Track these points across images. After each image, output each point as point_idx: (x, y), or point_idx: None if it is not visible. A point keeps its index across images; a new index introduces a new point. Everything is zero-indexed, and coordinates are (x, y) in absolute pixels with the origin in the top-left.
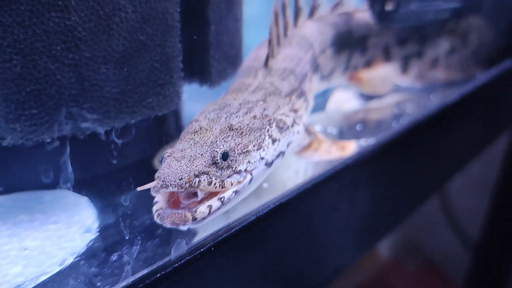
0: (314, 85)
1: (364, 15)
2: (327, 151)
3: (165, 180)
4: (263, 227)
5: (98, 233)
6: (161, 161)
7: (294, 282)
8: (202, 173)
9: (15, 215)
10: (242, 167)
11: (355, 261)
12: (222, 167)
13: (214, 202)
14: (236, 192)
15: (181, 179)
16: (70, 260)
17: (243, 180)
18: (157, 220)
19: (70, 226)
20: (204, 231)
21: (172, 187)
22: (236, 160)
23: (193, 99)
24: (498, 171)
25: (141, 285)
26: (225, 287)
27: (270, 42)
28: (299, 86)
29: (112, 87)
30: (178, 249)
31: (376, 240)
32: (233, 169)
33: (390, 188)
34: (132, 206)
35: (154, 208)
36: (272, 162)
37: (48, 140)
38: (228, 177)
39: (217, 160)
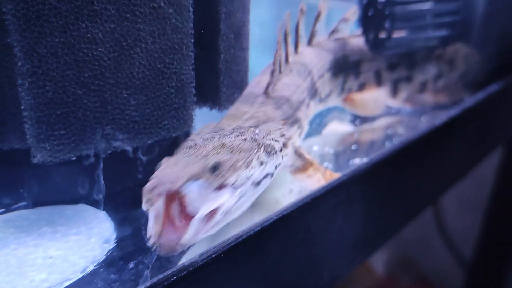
0: (311, 110)
1: (358, 41)
2: (318, 181)
3: (158, 181)
4: (267, 236)
5: (116, 243)
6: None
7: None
8: (195, 177)
9: (39, 227)
10: (229, 181)
11: (350, 271)
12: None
13: (202, 225)
14: (224, 212)
15: (172, 182)
16: (91, 268)
17: (230, 201)
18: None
19: (90, 237)
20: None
21: (164, 188)
22: (224, 175)
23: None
24: (490, 191)
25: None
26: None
27: (273, 72)
28: (293, 114)
29: (132, 111)
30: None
31: (369, 252)
32: (222, 182)
33: (383, 203)
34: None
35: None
36: (259, 183)
37: (74, 158)
38: (216, 188)
39: (207, 170)
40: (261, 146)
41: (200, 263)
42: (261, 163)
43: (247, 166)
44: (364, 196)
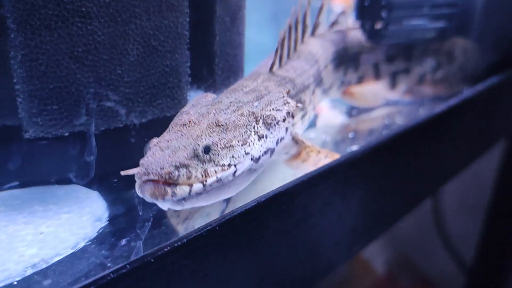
0: (317, 98)
1: (356, 33)
2: (315, 162)
3: (147, 168)
4: (263, 212)
5: (108, 221)
6: (147, 149)
7: (289, 269)
8: (183, 165)
9: (30, 206)
10: (225, 161)
11: (348, 259)
12: (204, 160)
13: (196, 184)
14: (219, 180)
15: (162, 168)
16: (82, 244)
17: (227, 170)
18: (137, 191)
19: (81, 215)
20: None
21: (153, 175)
22: (218, 154)
23: None
24: (490, 192)
25: (152, 258)
26: (224, 265)
27: (277, 50)
28: (296, 94)
29: (126, 88)
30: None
31: (367, 240)
32: (215, 162)
33: (381, 190)
34: (141, 200)
35: (137, 183)
36: (259, 158)
37: (66, 134)
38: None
39: (198, 153)
40: (259, 118)
41: (194, 234)
42: (260, 137)
43: (244, 143)
44: (362, 181)
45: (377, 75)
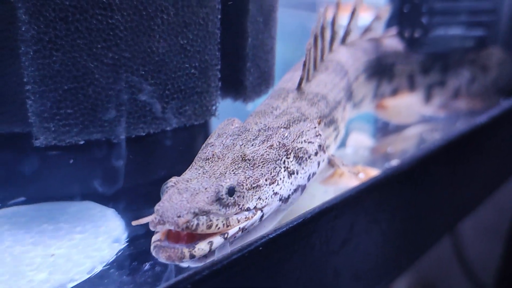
0: (347, 114)
1: (391, 42)
2: (351, 177)
3: (162, 215)
4: (308, 230)
5: (127, 243)
6: (163, 191)
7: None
8: (203, 212)
9: (38, 224)
10: (250, 204)
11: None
12: (227, 204)
13: (216, 239)
14: (243, 229)
15: (179, 216)
16: (99, 268)
17: (252, 217)
18: (152, 252)
19: (97, 236)
20: None
21: (169, 224)
22: (243, 197)
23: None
24: (510, 217)
25: (189, 283)
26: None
27: (305, 64)
28: (330, 113)
29: (150, 91)
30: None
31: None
32: (240, 206)
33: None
34: None
35: (153, 239)
36: (288, 198)
37: (81, 142)
38: (235, 214)
39: (221, 196)
40: (291, 152)
41: (235, 256)
42: (291, 174)
43: (272, 182)
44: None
45: (412, 87)
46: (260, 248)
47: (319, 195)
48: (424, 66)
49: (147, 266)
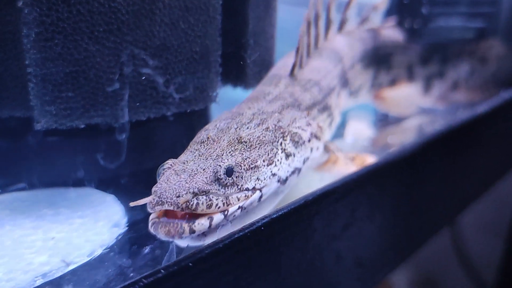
0: (342, 101)
1: (389, 32)
2: (346, 163)
3: (161, 196)
4: (310, 212)
5: (127, 227)
6: (160, 173)
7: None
8: (202, 191)
9: (38, 209)
10: (249, 185)
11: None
12: (226, 184)
13: (216, 216)
14: (242, 208)
15: (178, 196)
16: (99, 252)
17: (251, 196)
18: (151, 229)
19: (97, 220)
20: None
21: (168, 205)
22: (242, 177)
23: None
24: (511, 212)
25: (190, 262)
26: (271, 268)
27: (297, 50)
28: (323, 99)
29: (150, 75)
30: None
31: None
32: (239, 186)
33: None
34: None
35: (150, 217)
36: (286, 179)
37: (82, 126)
38: (234, 194)
39: (220, 176)
40: (287, 134)
41: (237, 235)
42: (288, 156)
43: (270, 163)
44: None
45: (411, 78)
46: (262, 228)
47: (315, 183)
48: (423, 57)
49: (147, 249)
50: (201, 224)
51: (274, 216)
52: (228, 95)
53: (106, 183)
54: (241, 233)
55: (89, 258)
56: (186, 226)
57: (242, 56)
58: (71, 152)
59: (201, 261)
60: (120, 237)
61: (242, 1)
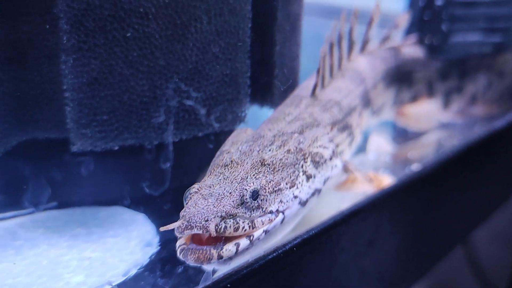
0: (364, 120)
1: (410, 50)
2: (364, 183)
3: (190, 220)
4: (338, 231)
5: (160, 247)
6: (187, 197)
7: None
8: (230, 215)
9: (71, 228)
10: (273, 207)
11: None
12: (252, 207)
13: (243, 241)
14: (266, 231)
15: (207, 220)
16: (134, 271)
17: (274, 219)
18: (179, 256)
19: (129, 240)
20: None
21: (197, 229)
22: (267, 200)
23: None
24: None
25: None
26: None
27: (318, 71)
28: (343, 118)
29: (183, 98)
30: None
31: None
32: (263, 209)
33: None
34: None
35: (178, 243)
36: (306, 201)
37: (116, 148)
38: (259, 217)
39: (246, 199)
40: (308, 156)
41: (271, 256)
42: (308, 178)
43: (292, 186)
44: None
45: (431, 93)
46: (294, 249)
47: (335, 202)
48: (442, 72)
49: (180, 269)
50: (229, 250)
51: (305, 236)
52: (254, 114)
53: (136, 202)
54: (274, 254)
55: (124, 278)
56: (214, 252)
57: (268, 76)
58: (102, 172)
59: (238, 282)
60: (153, 256)
61: (270, 24)
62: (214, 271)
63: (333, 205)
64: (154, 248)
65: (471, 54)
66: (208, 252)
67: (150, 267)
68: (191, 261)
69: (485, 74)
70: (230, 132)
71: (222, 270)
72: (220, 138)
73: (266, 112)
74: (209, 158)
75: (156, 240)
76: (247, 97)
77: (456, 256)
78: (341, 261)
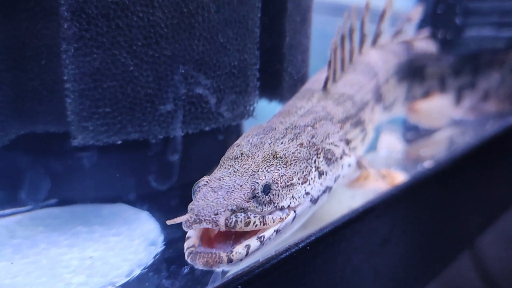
0: (376, 115)
1: (423, 44)
2: (376, 180)
3: (198, 214)
4: (354, 229)
5: (164, 246)
6: (196, 191)
7: None
8: (241, 209)
9: (72, 226)
10: (284, 203)
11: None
12: (263, 202)
13: (253, 242)
14: (277, 231)
15: (217, 214)
16: (137, 272)
17: (286, 218)
18: (188, 259)
19: (132, 239)
20: None
21: (207, 223)
22: (278, 195)
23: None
24: None
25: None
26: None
27: (330, 64)
28: (356, 113)
29: (189, 90)
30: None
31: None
32: (275, 204)
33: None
34: None
35: (186, 245)
36: (317, 199)
37: (119, 142)
38: (270, 213)
39: (257, 193)
40: (321, 151)
41: (284, 255)
42: (321, 174)
43: (304, 181)
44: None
45: (443, 89)
46: (308, 248)
47: (347, 201)
48: (455, 67)
49: (186, 269)
50: (239, 253)
51: (319, 235)
52: (263, 109)
53: (140, 199)
54: (287, 253)
55: (127, 279)
56: (224, 255)
57: (278, 69)
58: (104, 167)
59: (249, 282)
60: (157, 256)
61: (279, 14)
62: (224, 272)
63: (345, 203)
64: (158, 247)
65: (485, 49)
66: (217, 256)
67: (155, 267)
68: (199, 266)
69: (499, 70)
70: (238, 126)
71: (232, 270)
72: (227, 132)
73: (275, 106)
74: (216, 153)
75: (160, 238)
76: (256, 90)
77: (464, 260)
78: (355, 261)
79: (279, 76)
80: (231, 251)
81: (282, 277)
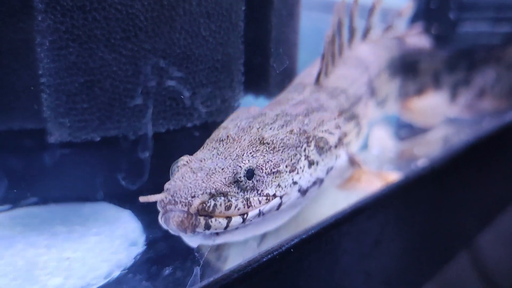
0: (370, 111)
1: (415, 39)
2: (369, 181)
3: (174, 195)
4: (341, 231)
5: (146, 246)
6: (174, 170)
7: None
8: (220, 193)
9: (51, 226)
10: (270, 191)
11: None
12: (246, 187)
13: (235, 217)
14: (262, 213)
15: (194, 196)
16: (116, 273)
17: (271, 200)
18: (161, 221)
19: (113, 239)
20: None
21: (182, 205)
22: (263, 181)
23: None
24: None
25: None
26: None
27: (323, 58)
28: (350, 108)
29: (169, 86)
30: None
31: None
32: (259, 191)
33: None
34: None
35: (160, 206)
36: (306, 190)
37: (97, 139)
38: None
39: (240, 177)
40: (312, 140)
41: (268, 257)
42: (311, 164)
43: (292, 170)
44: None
45: (437, 86)
46: (292, 250)
47: (340, 202)
48: (449, 63)
49: (168, 270)
50: (219, 222)
51: (304, 236)
52: (249, 104)
53: (121, 198)
54: (269, 256)
55: (106, 280)
56: (202, 219)
57: (264, 64)
58: (84, 165)
59: (227, 287)
60: (138, 257)
61: (265, 7)
62: (202, 275)
63: (340, 204)
64: (139, 248)
65: (480, 45)
66: (194, 218)
67: (135, 269)
68: (173, 226)
69: (494, 67)
70: (222, 122)
71: (206, 245)
72: (212, 129)
73: (262, 102)
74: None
75: (142, 239)
76: (241, 85)
77: (461, 259)
78: (344, 264)
79: (265, 71)
80: (211, 218)
81: (264, 281)
